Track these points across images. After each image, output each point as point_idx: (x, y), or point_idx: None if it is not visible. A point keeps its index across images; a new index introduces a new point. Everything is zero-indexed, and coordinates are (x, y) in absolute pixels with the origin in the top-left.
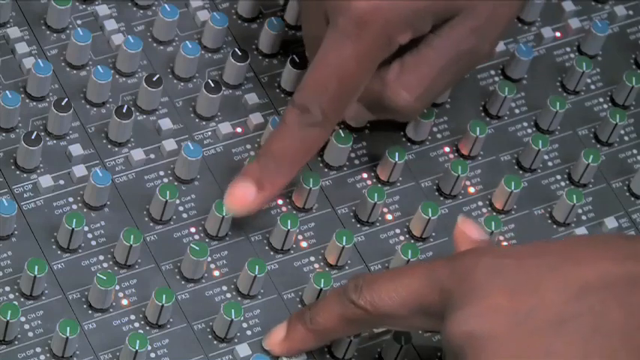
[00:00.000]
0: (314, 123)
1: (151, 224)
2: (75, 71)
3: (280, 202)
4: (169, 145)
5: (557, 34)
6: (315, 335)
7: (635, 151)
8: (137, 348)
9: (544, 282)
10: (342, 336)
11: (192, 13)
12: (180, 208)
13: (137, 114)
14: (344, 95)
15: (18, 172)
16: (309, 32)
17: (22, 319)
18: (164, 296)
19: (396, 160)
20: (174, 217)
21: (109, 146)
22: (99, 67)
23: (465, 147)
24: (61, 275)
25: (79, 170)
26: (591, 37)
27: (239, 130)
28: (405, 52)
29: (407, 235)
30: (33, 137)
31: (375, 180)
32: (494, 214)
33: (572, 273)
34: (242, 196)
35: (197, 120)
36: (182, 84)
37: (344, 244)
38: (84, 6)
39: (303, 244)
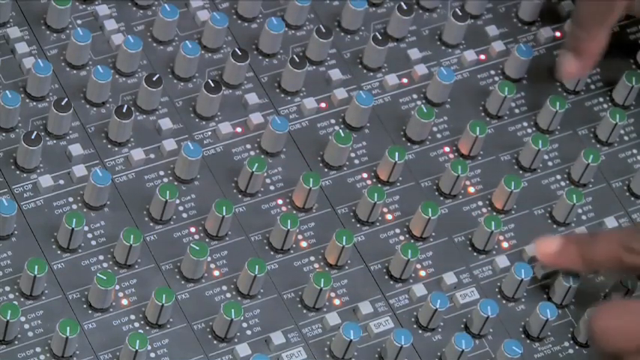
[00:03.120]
0: None
1: (151, 224)
2: (75, 71)
3: (280, 202)
4: (169, 145)
5: (557, 34)
6: (584, 262)
7: (635, 151)
8: (137, 348)
9: None
10: (605, 272)
11: (192, 13)
12: (180, 208)
13: (137, 114)
14: None
15: (18, 172)
16: None
17: (22, 319)
18: (164, 296)
19: (396, 160)
20: (174, 217)
21: (109, 146)
22: (99, 67)
23: (464, 147)
24: (61, 275)
25: (79, 170)
26: None
27: (239, 130)
28: None
29: (407, 235)
30: (33, 137)
31: (375, 180)
32: (494, 214)
33: None
34: (567, 67)
35: (197, 120)
36: (182, 84)
37: (344, 244)
38: (84, 6)
39: (303, 244)
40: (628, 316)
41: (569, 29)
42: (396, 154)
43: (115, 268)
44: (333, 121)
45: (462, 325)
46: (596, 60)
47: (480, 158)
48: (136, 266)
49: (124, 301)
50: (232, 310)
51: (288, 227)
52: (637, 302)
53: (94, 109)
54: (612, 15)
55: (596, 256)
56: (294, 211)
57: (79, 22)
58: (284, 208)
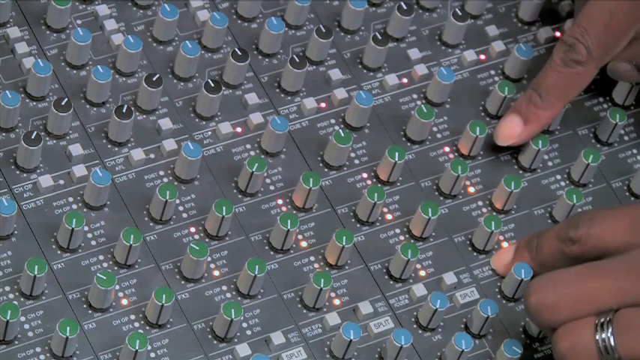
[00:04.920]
0: (579, 61)
1: (151, 224)
2: (75, 71)
3: (280, 202)
4: (169, 145)
5: (557, 34)
6: (535, 263)
7: (635, 151)
8: (137, 348)
9: None
10: (561, 266)
11: (192, 13)
12: (180, 208)
13: (137, 114)
14: (609, 39)
15: (18, 172)
16: None
17: (22, 319)
18: (164, 296)
19: (396, 160)
20: (174, 217)
21: (109, 146)
22: (99, 67)
23: (464, 147)
24: (61, 275)
25: (79, 170)
26: None
27: (239, 130)
28: None
29: (407, 235)
30: (33, 137)
31: (375, 180)
32: (494, 214)
33: None
34: (510, 129)
35: (197, 120)
36: (182, 84)
37: (344, 244)
38: (84, 6)
39: (303, 244)
40: (559, 289)
41: (524, 94)
42: (396, 154)
43: (115, 268)
44: (333, 121)
45: (462, 325)
46: (543, 129)
47: (480, 158)
48: (136, 266)
49: (124, 301)
50: (232, 310)
51: (288, 227)
52: (566, 272)
53: (94, 109)
54: (578, 91)
55: (542, 255)
56: (294, 211)
57: (79, 22)
58: (284, 208)
